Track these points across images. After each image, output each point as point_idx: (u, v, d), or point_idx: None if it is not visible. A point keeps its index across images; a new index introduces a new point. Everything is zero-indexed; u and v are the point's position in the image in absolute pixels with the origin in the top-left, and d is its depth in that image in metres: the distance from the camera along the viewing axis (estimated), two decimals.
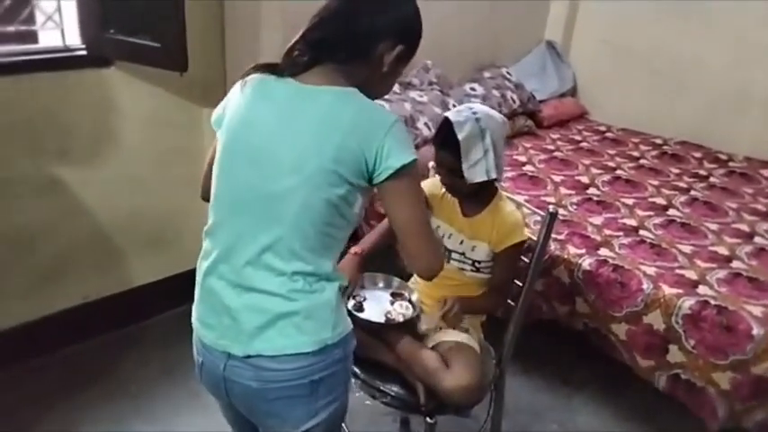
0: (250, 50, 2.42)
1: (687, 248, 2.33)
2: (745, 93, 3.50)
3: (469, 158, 1.66)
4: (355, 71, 1.23)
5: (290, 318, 1.19)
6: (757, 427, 1.90)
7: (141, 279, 2.66)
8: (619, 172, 3.09)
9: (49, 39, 2.31)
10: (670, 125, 3.72)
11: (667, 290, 2.04)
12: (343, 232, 1.25)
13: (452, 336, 1.78)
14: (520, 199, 2.11)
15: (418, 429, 2.01)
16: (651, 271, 2.14)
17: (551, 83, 3.97)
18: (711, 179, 3.10)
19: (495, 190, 1.85)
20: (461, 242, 1.83)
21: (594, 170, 3.09)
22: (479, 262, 1.83)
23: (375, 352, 1.77)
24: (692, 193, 2.90)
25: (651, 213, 2.63)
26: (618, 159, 3.30)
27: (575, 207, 2.65)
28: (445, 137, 1.70)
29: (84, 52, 2.28)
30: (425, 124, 2.87)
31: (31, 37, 2.30)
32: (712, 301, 1.97)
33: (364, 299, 1.81)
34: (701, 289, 2.06)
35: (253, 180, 1.19)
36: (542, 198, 2.69)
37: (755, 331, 1.86)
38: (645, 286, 2.06)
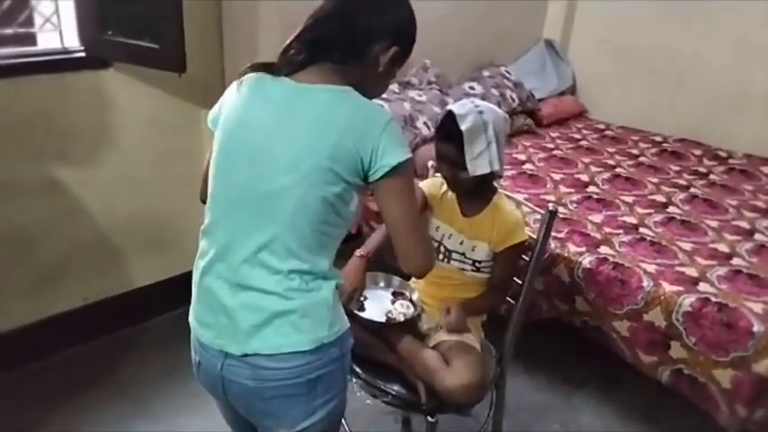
0: (248, 51, 2.42)
1: (687, 246, 2.33)
2: (744, 90, 3.50)
3: (472, 150, 1.66)
4: (351, 71, 1.24)
5: (286, 316, 1.19)
6: (757, 427, 1.89)
7: (141, 280, 2.67)
8: (618, 170, 3.09)
9: (47, 41, 2.31)
10: (669, 123, 3.72)
11: (668, 287, 2.04)
12: (339, 230, 1.25)
13: (453, 335, 1.78)
14: (519, 197, 2.11)
15: (420, 429, 2.01)
16: (651, 269, 2.13)
17: (550, 81, 3.97)
18: (711, 176, 3.10)
19: (495, 189, 1.85)
20: (461, 242, 1.83)
21: (594, 168, 3.09)
22: (479, 262, 1.83)
23: (376, 351, 1.77)
24: (692, 190, 2.89)
25: (651, 211, 2.63)
26: (617, 157, 3.29)
27: (574, 205, 2.64)
28: (448, 129, 1.70)
29: (82, 54, 2.28)
30: (425, 123, 2.87)
31: (30, 39, 2.30)
32: (713, 299, 1.97)
33: (365, 298, 1.82)
34: (702, 286, 2.05)
35: (249, 179, 1.20)
36: (542, 196, 2.69)
37: (756, 328, 1.86)
38: (645, 284, 2.06)
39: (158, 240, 2.65)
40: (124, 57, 2.27)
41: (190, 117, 2.47)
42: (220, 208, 1.25)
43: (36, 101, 2.18)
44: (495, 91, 3.37)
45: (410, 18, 1.30)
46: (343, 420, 2.02)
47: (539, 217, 1.80)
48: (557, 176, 2.94)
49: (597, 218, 2.53)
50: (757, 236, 2.45)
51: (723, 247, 2.34)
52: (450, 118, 1.69)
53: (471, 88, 3.35)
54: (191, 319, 1.31)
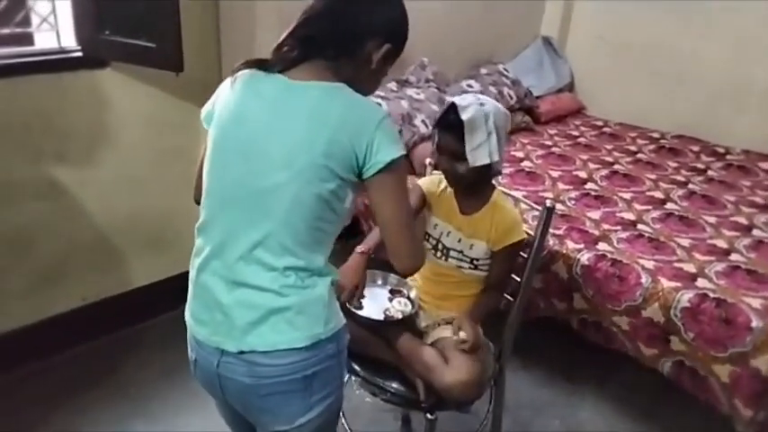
0: (246, 50, 2.42)
1: (685, 242, 2.33)
2: (742, 86, 3.51)
3: (473, 141, 1.67)
4: (343, 68, 1.24)
5: (282, 313, 1.19)
6: (759, 426, 1.89)
7: (140, 280, 2.67)
8: (616, 166, 3.09)
9: (44, 41, 2.31)
10: (667, 119, 3.72)
11: (666, 283, 2.04)
12: (334, 227, 1.25)
13: (451, 331, 1.78)
14: (518, 195, 2.11)
15: (419, 426, 2.02)
16: (650, 265, 2.14)
17: (548, 78, 3.97)
18: (709, 172, 3.10)
19: (493, 187, 1.85)
20: (459, 240, 1.83)
21: (592, 165, 3.10)
22: (477, 260, 1.83)
23: (374, 349, 1.78)
24: (690, 186, 2.90)
25: (649, 207, 2.63)
26: (615, 154, 3.30)
27: (573, 202, 2.65)
28: (449, 120, 1.71)
29: (79, 54, 2.27)
30: (422, 121, 2.87)
31: (27, 39, 2.29)
32: (711, 294, 1.97)
33: (363, 296, 1.81)
34: (700, 282, 2.05)
35: (243, 176, 1.20)
36: (540, 193, 2.69)
37: (754, 323, 1.86)
38: (643, 280, 2.06)
39: (157, 240, 2.65)
40: (121, 56, 2.26)
41: (188, 116, 2.46)
42: (215, 205, 1.25)
43: (33, 101, 2.18)
44: (492, 88, 3.37)
45: (402, 15, 1.30)
46: (342, 418, 2.05)
47: (537, 214, 1.81)
48: (555, 173, 2.94)
49: (595, 214, 2.53)
50: (755, 231, 2.46)
51: (721, 243, 2.34)
52: (451, 109, 1.70)
53: (469, 86, 3.36)
54: (187, 316, 1.32)
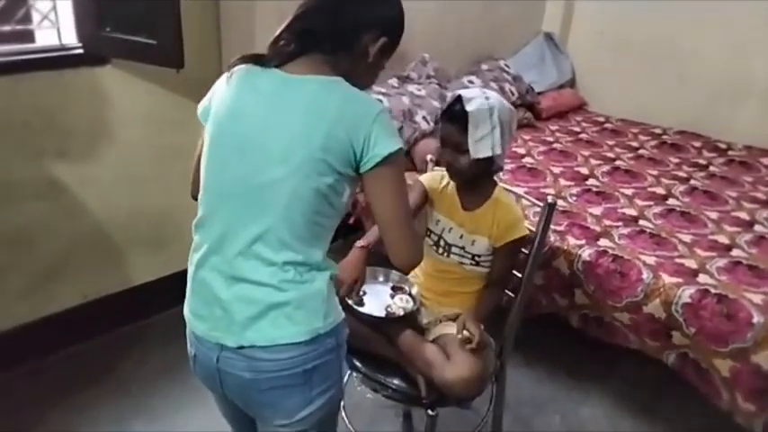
0: (246, 48, 2.38)
1: (687, 237, 2.33)
2: (744, 82, 3.50)
3: (476, 133, 1.67)
4: (340, 61, 1.24)
5: (281, 308, 1.19)
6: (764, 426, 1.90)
7: (141, 278, 2.67)
8: (618, 162, 3.09)
9: (45, 38, 2.31)
10: (669, 115, 3.72)
11: (667, 279, 2.04)
12: (332, 221, 1.25)
13: (453, 328, 1.78)
14: (519, 191, 2.11)
15: (421, 422, 2.02)
16: (651, 260, 2.13)
17: (550, 74, 3.96)
18: (711, 168, 3.10)
19: (495, 184, 1.85)
20: (461, 236, 1.83)
21: (594, 161, 3.09)
22: (479, 256, 1.83)
23: (376, 346, 1.78)
24: (692, 182, 2.89)
25: (651, 203, 2.63)
26: (617, 150, 3.29)
27: (574, 198, 2.64)
28: (454, 111, 1.71)
29: (80, 51, 2.27)
30: (423, 118, 2.87)
31: (28, 36, 2.29)
32: (712, 290, 1.97)
33: (364, 293, 1.82)
34: (701, 278, 2.05)
35: (241, 171, 1.20)
36: (542, 190, 2.68)
37: (756, 319, 1.86)
38: (644, 276, 2.06)
39: (158, 237, 2.65)
40: (122, 53, 2.26)
41: (188, 114, 2.41)
42: (213, 201, 1.25)
43: (34, 98, 2.17)
44: (494, 84, 3.36)
45: (399, 8, 1.30)
46: (344, 415, 2.05)
47: (538, 210, 1.81)
48: (556, 170, 2.94)
49: (597, 210, 2.53)
50: (757, 227, 2.45)
51: (723, 239, 2.34)
52: (457, 101, 1.71)
53: (470, 82, 3.35)
54: (186, 311, 1.32)
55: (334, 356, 1.27)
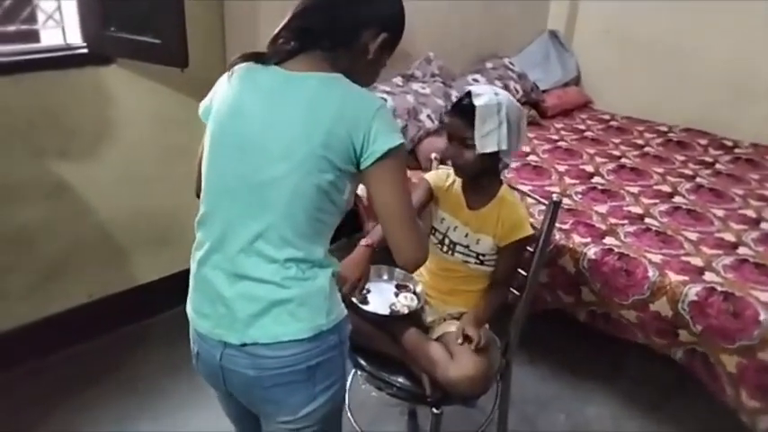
0: (250, 47, 2.39)
1: (693, 235, 2.32)
2: (750, 79, 3.48)
3: (483, 128, 1.67)
4: (340, 58, 1.24)
5: (284, 305, 1.19)
6: None
7: (146, 277, 2.67)
8: (623, 160, 3.08)
9: (50, 38, 2.32)
10: (675, 113, 3.70)
11: (673, 277, 2.03)
12: (334, 218, 1.25)
13: (455, 335, 1.77)
14: (524, 189, 2.11)
15: (426, 420, 2.01)
16: (657, 258, 2.12)
17: (554, 72, 3.95)
18: (717, 166, 3.08)
19: (501, 183, 1.84)
20: (466, 235, 1.83)
21: (599, 159, 3.08)
22: (483, 255, 1.83)
23: (380, 344, 1.78)
24: (698, 180, 2.88)
25: (656, 201, 2.62)
26: (622, 148, 3.28)
27: (579, 196, 2.63)
28: (462, 106, 1.72)
29: (85, 50, 2.28)
30: (428, 116, 2.86)
31: (33, 36, 2.30)
32: (719, 288, 1.96)
33: (369, 291, 1.82)
34: (708, 276, 2.04)
35: (242, 169, 1.20)
36: (547, 188, 2.68)
37: (762, 317, 1.85)
38: (651, 274, 2.05)
39: (163, 236, 2.66)
40: (127, 53, 2.27)
41: (193, 113, 2.40)
42: (214, 199, 1.25)
43: (39, 98, 2.18)
44: (498, 83, 3.35)
45: (398, 4, 1.30)
46: (348, 413, 2.05)
47: (543, 208, 1.80)
48: (561, 168, 2.93)
49: (602, 208, 2.52)
50: (763, 225, 2.44)
51: (729, 237, 2.32)
52: (466, 95, 1.72)
53: (475, 80, 3.34)
54: (188, 309, 1.32)
55: (337, 353, 1.27)
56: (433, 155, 2.11)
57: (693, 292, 1.96)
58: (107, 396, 2.28)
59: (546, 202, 1.77)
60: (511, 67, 3.58)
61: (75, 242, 2.42)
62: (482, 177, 1.79)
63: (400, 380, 1.75)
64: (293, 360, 1.21)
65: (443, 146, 1.87)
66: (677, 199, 2.65)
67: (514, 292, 1.88)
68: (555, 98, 3.78)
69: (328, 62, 1.23)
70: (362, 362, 1.79)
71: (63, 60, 2.24)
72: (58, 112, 2.23)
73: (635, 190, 2.73)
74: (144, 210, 2.57)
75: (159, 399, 2.29)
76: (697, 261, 2.13)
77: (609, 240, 2.25)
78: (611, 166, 2.99)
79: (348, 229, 2.61)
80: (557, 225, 1.94)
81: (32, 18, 2.27)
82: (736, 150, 3.31)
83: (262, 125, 1.19)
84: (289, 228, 1.18)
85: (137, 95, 2.40)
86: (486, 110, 1.66)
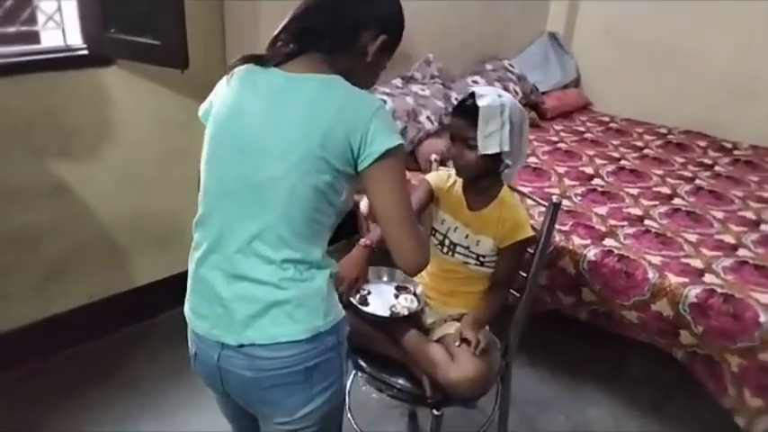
0: (250, 48, 2.39)
1: (693, 237, 2.32)
2: (750, 81, 3.48)
3: (486, 128, 1.67)
4: (339, 60, 1.24)
5: (281, 306, 1.19)
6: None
7: (146, 278, 2.67)
8: (623, 162, 3.08)
9: (50, 39, 2.32)
10: (674, 114, 3.70)
11: (673, 279, 2.03)
12: (332, 219, 1.25)
13: (453, 338, 1.77)
14: (524, 190, 2.11)
15: (426, 422, 2.01)
16: (657, 260, 2.13)
17: (554, 74, 3.95)
18: (716, 168, 3.09)
19: (502, 185, 1.84)
20: (466, 236, 1.83)
21: (599, 161, 3.08)
22: (483, 256, 1.83)
23: (380, 345, 1.78)
24: (697, 181, 2.88)
25: (656, 203, 2.62)
26: (622, 150, 3.28)
27: (579, 198, 2.64)
28: (465, 106, 1.72)
29: (85, 52, 2.28)
30: (428, 118, 2.86)
31: (33, 37, 2.30)
32: (719, 290, 1.96)
33: (369, 292, 1.82)
34: (708, 277, 2.05)
35: (241, 170, 1.20)
36: (546, 189, 2.68)
37: (763, 318, 1.85)
38: (650, 276, 2.05)
39: (163, 237, 2.66)
40: (127, 54, 2.27)
41: (193, 114, 2.40)
42: (213, 199, 1.25)
43: (39, 99, 2.18)
44: (498, 84, 3.35)
45: (398, 6, 1.30)
46: (349, 414, 2.05)
47: (543, 210, 1.80)
48: (561, 169, 2.93)
49: (602, 210, 2.52)
50: (763, 226, 2.44)
51: (729, 239, 2.33)
52: (469, 97, 1.72)
53: (474, 82, 3.34)
54: (186, 310, 1.32)
55: (335, 354, 1.27)
56: (433, 156, 2.11)
57: (693, 293, 1.96)
58: (108, 396, 2.28)
59: (546, 204, 1.77)
60: (510, 68, 3.58)
61: (76, 243, 2.42)
62: (483, 178, 1.79)
63: (401, 381, 1.75)
64: (291, 361, 1.20)
65: (443, 147, 1.87)
66: (677, 201, 2.66)
67: (514, 293, 1.88)
68: (554, 100, 3.78)
69: (327, 64, 1.23)
70: (363, 363, 1.79)
71: (63, 61, 2.24)
72: (58, 114, 2.24)
73: (634, 192, 2.73)
74: (144, 211, 2.57)
75: (160, 399, 2.29)
76: (697, 263, 2.13)
77: (609, 242, 2.25)
78: (610, 167, 3.00)
79: (347, 230, 2.61)
80: (556, 227, 1.94)
81: (32, 19, 2.27)
82: (736, 152, 3.32)
83: (261, 126, 1.19)
84: (286, 228, 1.18)
85: (137, 97, 2.41)
86: (490, 111, 1.66)
